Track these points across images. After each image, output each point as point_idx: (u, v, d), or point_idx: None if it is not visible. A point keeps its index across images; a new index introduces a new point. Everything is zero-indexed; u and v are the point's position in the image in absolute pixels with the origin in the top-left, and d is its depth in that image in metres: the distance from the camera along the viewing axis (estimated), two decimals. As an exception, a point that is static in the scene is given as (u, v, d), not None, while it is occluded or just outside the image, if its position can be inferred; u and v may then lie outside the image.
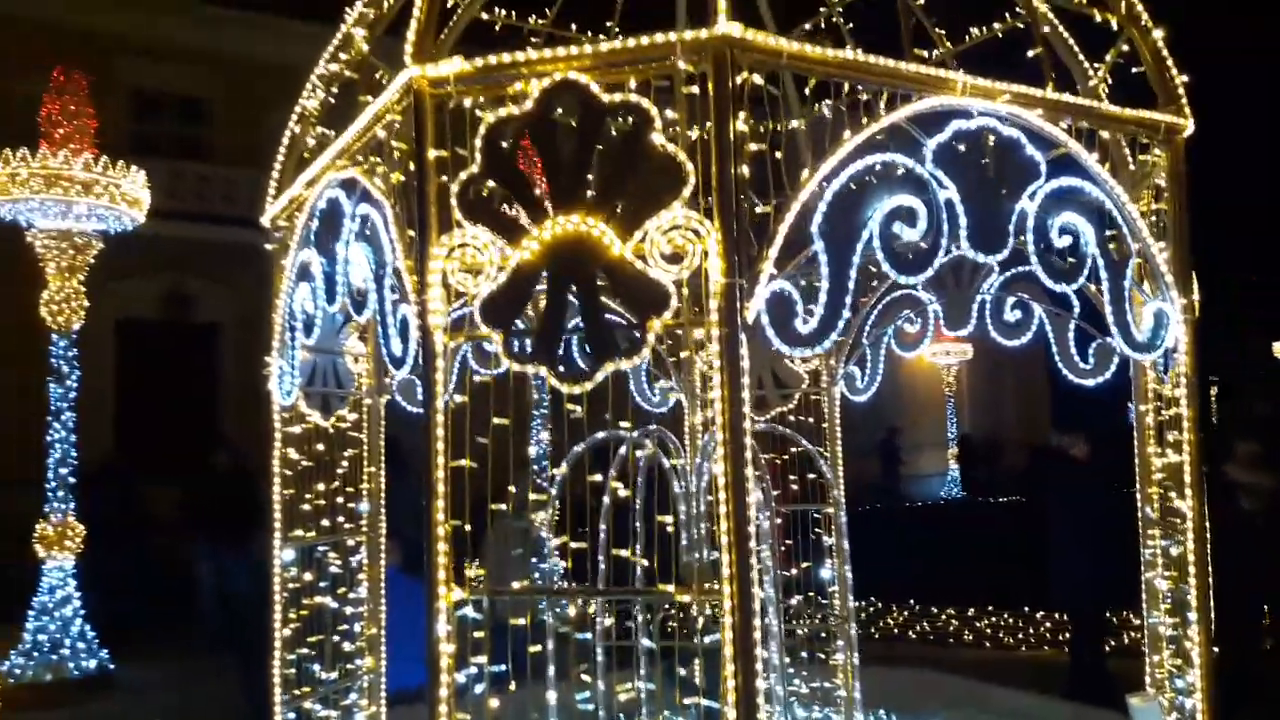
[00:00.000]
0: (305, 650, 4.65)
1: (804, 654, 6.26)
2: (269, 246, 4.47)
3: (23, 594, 9.05)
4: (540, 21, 5.43)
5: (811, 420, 6.35)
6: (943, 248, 3.11)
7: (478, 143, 2.83)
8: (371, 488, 5.44)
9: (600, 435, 4.82)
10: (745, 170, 2.79)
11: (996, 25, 4.23)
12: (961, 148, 3.16)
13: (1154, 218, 3.80)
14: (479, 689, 3.06)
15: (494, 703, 3.04)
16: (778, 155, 3.71)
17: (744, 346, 2.74)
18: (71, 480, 9.03)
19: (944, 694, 7.13)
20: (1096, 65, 4.04)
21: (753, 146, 2.80)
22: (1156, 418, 4.16)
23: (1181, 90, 3.77)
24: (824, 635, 6.23)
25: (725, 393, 2.69)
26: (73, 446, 9.08)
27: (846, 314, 2.94)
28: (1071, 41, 4.13)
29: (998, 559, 10.54)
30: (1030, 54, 3.73)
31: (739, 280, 2.72)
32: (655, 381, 6.45)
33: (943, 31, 4.35)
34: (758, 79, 2.86)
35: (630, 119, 2.77)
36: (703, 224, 2.71)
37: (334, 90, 4.11)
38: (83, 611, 9.03)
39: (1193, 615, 3.70)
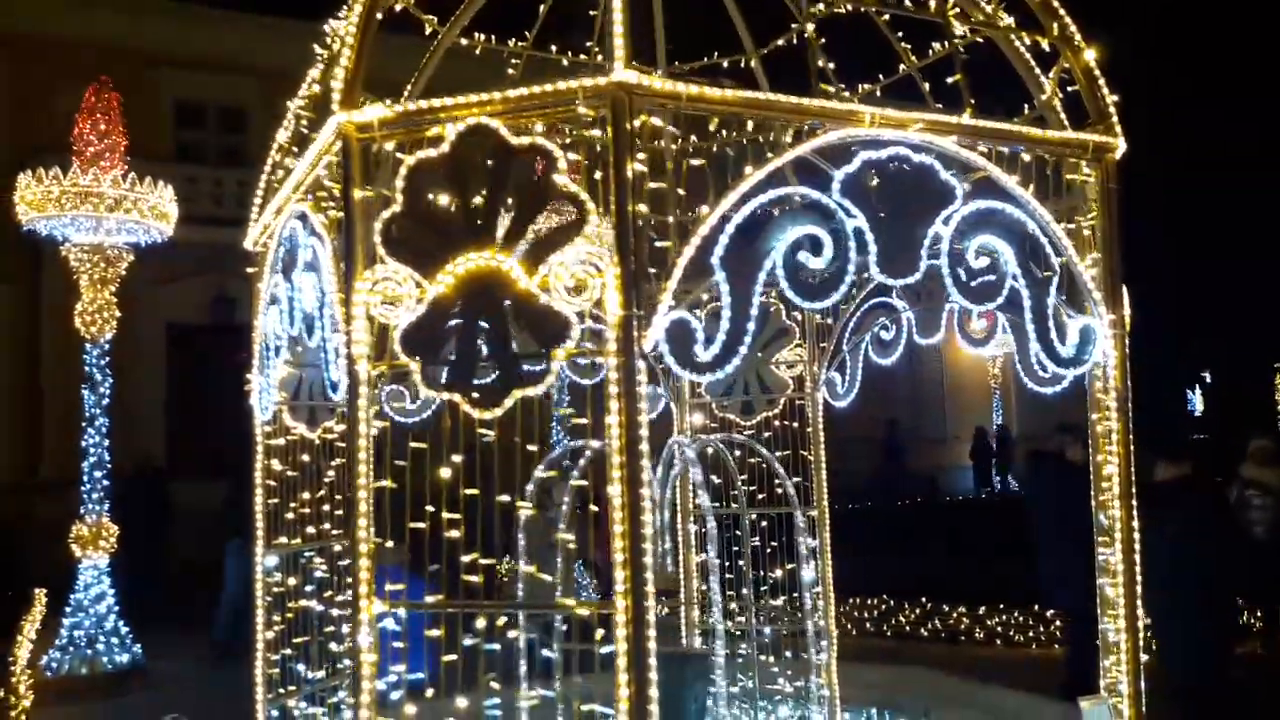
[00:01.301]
0: (289, 651, 4.92)
1: (788, 653, 6.40)
2: (250, 270, 4.73)
3: (60, 591, 9.51)
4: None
5: (797, 425, 6.49)
6: (849, 274, 3.23)
7: (398, 183, 3.03)
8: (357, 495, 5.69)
9: (565, 446, 5.03)
10: (643, 207, 2.94)
11: (930, 52, 4.30)
12: (870, 176, 3.29)
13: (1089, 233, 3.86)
14: (396, 695, 3.26)
15: (410, 709, 3.24)
16: (680, 192, 3.85)
17: (642, 374, 2.91)
18: (105, 482, 9.47)
19: (930, 692, 7.21)
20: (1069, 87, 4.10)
21: (652, 185, 2.94)
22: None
23: (1112, 109, 3.83)
24: (804, 634, 6.36)
25: (622, 419, 2.86)
26: (106, 450, 9.52)
27: (749, 340, 3.08)
28: (1031, 61, 4.20)
29: (1009, 555, 10.53)
30: (950, 80, 3.82)
31: (636, 312, 2.88)
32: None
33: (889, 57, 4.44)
34: (657, 121, 3.01)
35: (537, 160, 2.94)
36: (602, 259, 2.88)
37: (303, 122, 4.32)
38: (117, 608, 9.47)
39: (1119, 621, 3.79)
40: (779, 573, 6.09)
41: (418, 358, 3.00)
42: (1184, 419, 36.25)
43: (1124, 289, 3.84)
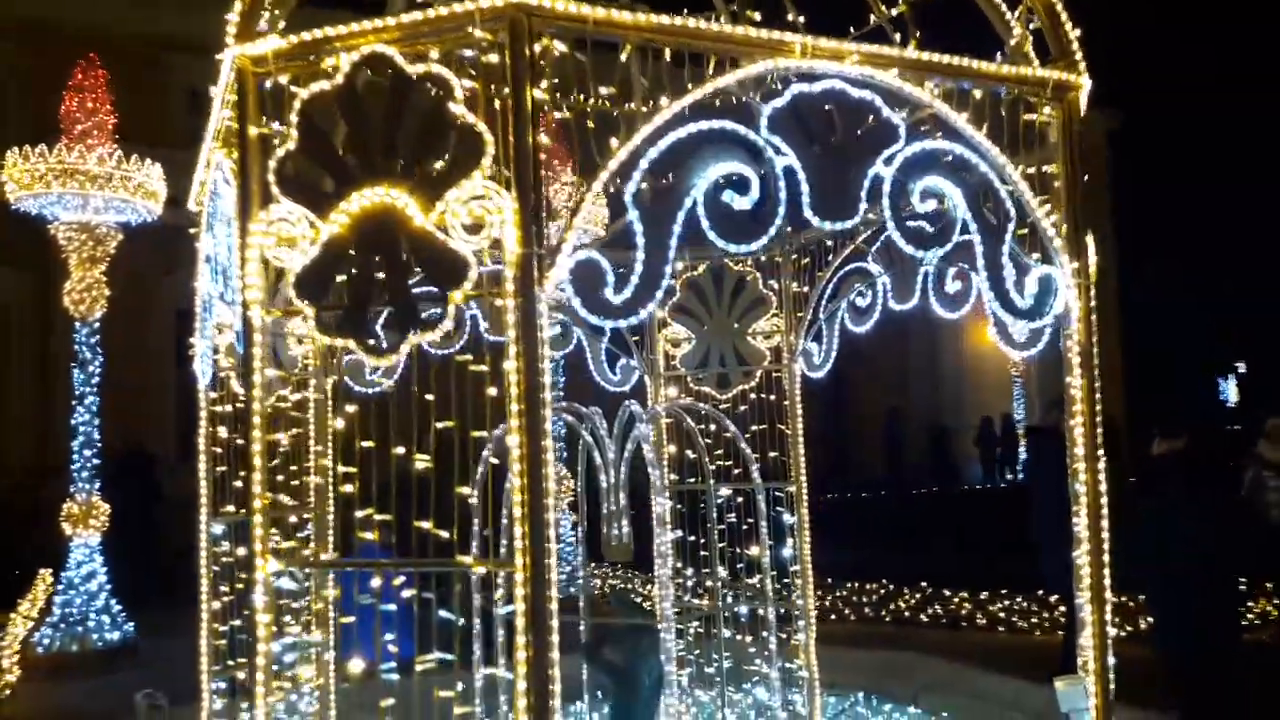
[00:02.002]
0: (237, 622, 4.79)
1: (764, 633, 6.20)
2: (191, 231, 4.58)
3: (55, 569, 9.49)
4: None
5: (774, 398, 6.27)
6: (779, 215, 3.03)
7: (292, 118, 2.86)
8: (318, 467, 5.56)
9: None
10: (544, 139, 2.75)
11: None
12: (802, 112, 3.07)
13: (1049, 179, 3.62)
14: (290, 659, 3.10)
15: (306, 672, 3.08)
16: (589, 124, 3.65)
17: (543, 317, 2.72)
18: (95, 461, 9.42)
19: (921, 677, 6.99)
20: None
21: (558, 114, 2.75)
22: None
23: (1076, 46, 3.59)
24: (784, 614, 6.16)
25: (520, 364, 2.67)
26: (96, 430, 9.46)
27: (665, 284, 2.88)
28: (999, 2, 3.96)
29: (1017, 546, 10.26)
30: (893, 12, 3.59)
31: (537, 250, 2.70)
32: (616, 361, 6.44)
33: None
34: (561, 46, 2.81)
35: (434, 89, 2.76)
36: (500, 194, 2.69)
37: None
38: (108, 586, 9.43)
39: (1086, 592, 3.56)
40: (755, 550, 5.88)
41: (311, 302, 2.83)
42: (1214, 406, 35.55)
43: (1089, 237, 3.59)
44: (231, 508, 4.92)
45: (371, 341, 2.80)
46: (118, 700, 7.10)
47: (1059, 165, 3.55)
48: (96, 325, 9.52)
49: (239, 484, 5.00)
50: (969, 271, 4.92)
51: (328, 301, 2.84)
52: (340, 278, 2.84)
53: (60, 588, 9.38)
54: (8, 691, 7.75)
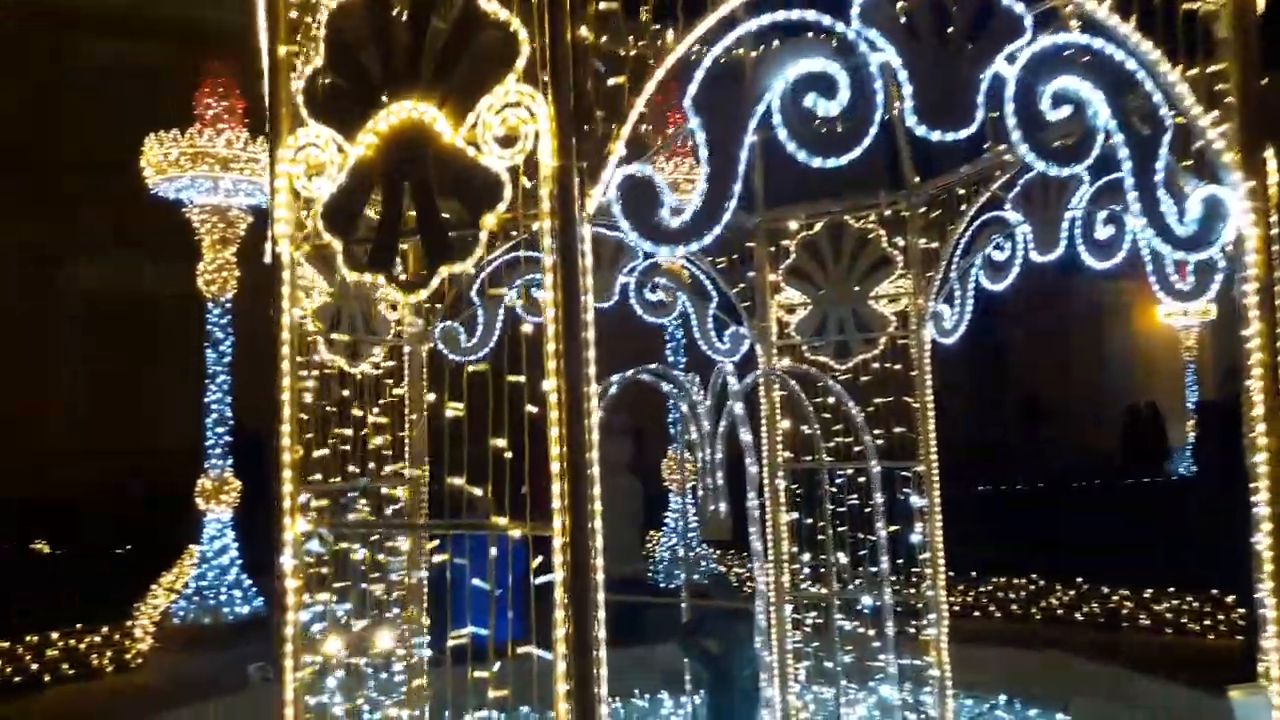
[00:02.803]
0: (328, 596, 4.62)
1: (890, 626, 5.65)
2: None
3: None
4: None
5: (900, 368, 5.70)
6: (874, 123, 2.54)
7: (320, 32, 2.57)
8: (414, 437, 5.37)
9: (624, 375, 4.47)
10: (587, 32, 2.36)
11: None
12: (903, 2, 2.58)
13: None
14: (318, 627, 2.82)
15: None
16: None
17: (585, 241, 2.34)
18: (228, 439, 9.66)
19: (1075, 680, 6.27)
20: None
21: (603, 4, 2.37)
22: None
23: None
24: (915, 606, 5.60)
25: (559, 296, 2.30)
26: (228, 408, 9.70)
27: (732, 205, 2.44)
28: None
29: (1187, 538, 9.26)
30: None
31: (577, 163, 2.32)
32: (724, 329, 6.00)
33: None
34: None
35: (465, -11, 2.42)
36: (535, 99, 2.32)
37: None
38: (239, 560, 9.65)
39: (1266, 583, 2.92)
40: (882, 535, 5.34)
41: (339, 235, 2.54)
42: None
43: (1269, 152, 2.94)
44: (319, 475, 4.77)
45: (402, 276, 2.48)
46: (244, 673, 7.19)
47: (1230, 64, 2.91)
48: (228, 305, 9.74)
49: (325, 452, 4.90)
50: (1121, 214, 4.32)
51: (356, 235, 2.54)
52: (368, 208, 2.54)
53: (195, 562, 9.66)
54: (140, 660, 7.98)
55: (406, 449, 5.29)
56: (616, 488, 6.72)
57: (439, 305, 5.45)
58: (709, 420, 4.19)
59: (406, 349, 5.32)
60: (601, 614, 2.27)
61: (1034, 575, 9.36)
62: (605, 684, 2.23)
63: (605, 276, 5.79)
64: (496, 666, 3.15)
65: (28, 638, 7.28)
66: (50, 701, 6.88)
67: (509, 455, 2.67)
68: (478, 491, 3.03)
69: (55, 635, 7.41)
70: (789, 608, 5.84)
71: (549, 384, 2.28)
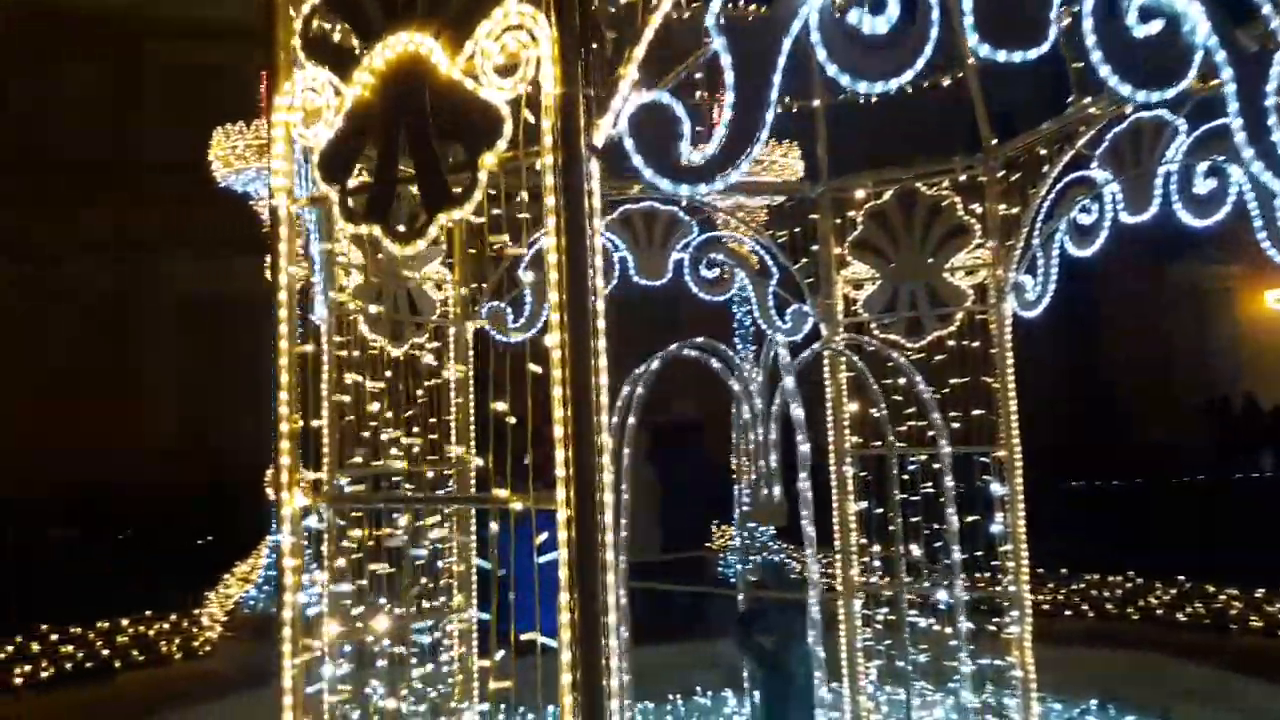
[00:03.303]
0: (364, 582, 4.46)
1: (967, 623, 5.26)
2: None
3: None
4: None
5: (978, 345, 5.29)
6: (931, 41, 2.22)
7: (315, -35, 2.37)
8: (460, 420, 5.18)
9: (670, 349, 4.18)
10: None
11: None
12: (961, -100, 2.25)
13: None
14: (314, 610, 2.60)
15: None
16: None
17: (593, 179, 2.07)
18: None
19: (1175, 684, 5.78)
20: None
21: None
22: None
23: None
24: (998, 604, 5.19)
25: (562, 240, 2.04)
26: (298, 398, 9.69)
27: (761, 138, 2.15)
28: None
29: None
30: None
31: (583, 90, 2.05)
32: (786, 307, 5.67)
33: None
34: None
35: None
36: (536, 20, 2.07)
37: None
38: (309, 550, 9.63)
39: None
40: (954, 524, 4.96)
41: (335, 183, 2.33)
42: None
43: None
44: (359, 458, 4.62)
45: (399, 227, 2.25)
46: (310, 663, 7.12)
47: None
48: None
49: (365, 434, 4.74)
50: (1224, 165, 3.88)
51: (352, 184, 2.33)
52: (364, 156, 2.32)
53: (266, 552, 9.70)
54: (209, 647, 8.01)
55: (452, 431, 5.12)
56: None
57: (485, 285, 5.27)
58: (762, 398, 3.88)
59: (451, 329, 5.15)
60: (613, 597, 2.00)
61: (1131, 572, 8.77)
62: (618, 675, 1.96)
63: (658, 253, 5.53)
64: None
65: (99, 624, 7.36)
66: (121, 687, 6.91)
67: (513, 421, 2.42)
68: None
69: (125, 622, 7.47)
70: (858, 603, 5.50)
71: (552, 338, 2.02)
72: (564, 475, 2.00)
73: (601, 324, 2.05)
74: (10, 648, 6.73)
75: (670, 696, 5.98)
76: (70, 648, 6.92)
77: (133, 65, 18.14)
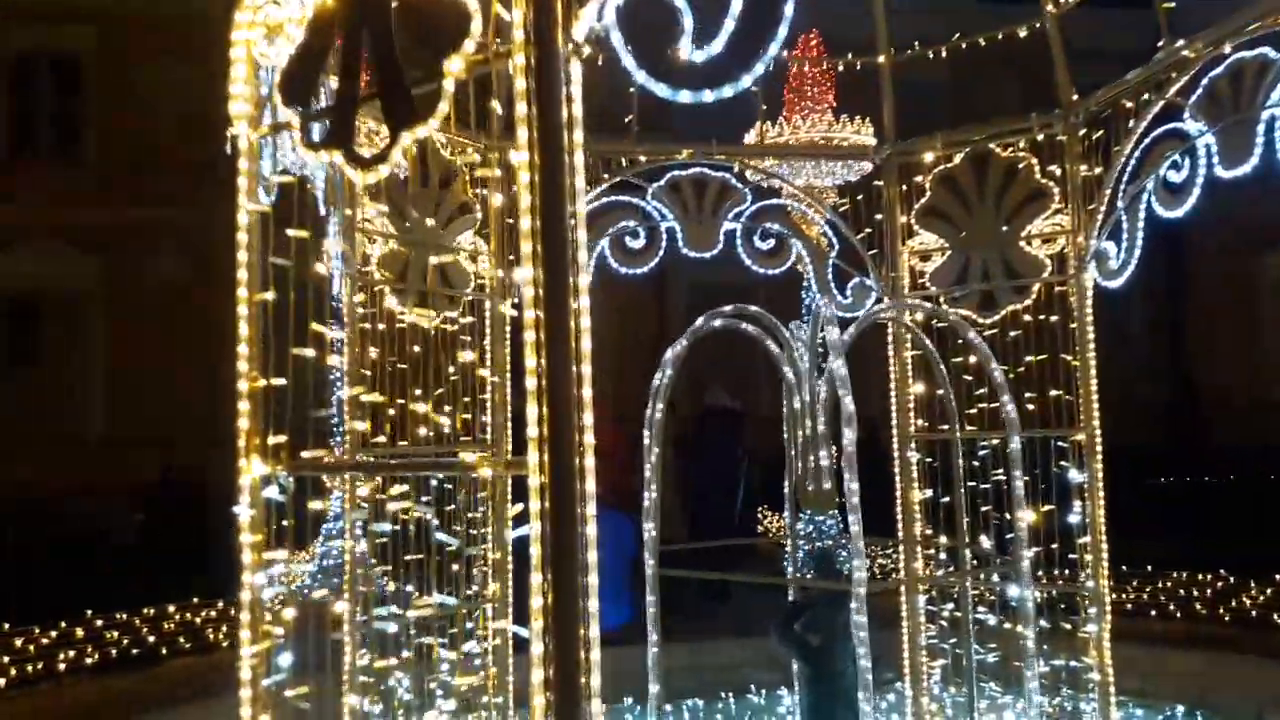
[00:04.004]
0: (388, 568, 4.23)
1: (1041, 622, 4.82)
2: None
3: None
4: None
5: (1056, 319, 4.83)
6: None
7: None
8: (496, 400, 4.92)
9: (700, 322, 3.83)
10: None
11: None
12: None
13: None
14: (270, 593, 2.32)
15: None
16: None
17: (573, 83, 1.76)
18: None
19: (1269, 689, 5.23)
20: None
21: None
22: None
23: None
24: (1075, 600, 4.74)
25: (538, 159, 1.72)
26: (339, 382, 9.60)
27: (781, 34, 1.80)
28: None
29: None
30: None
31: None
32: (847, 281, 5.27)
33: None
34: None
35: None
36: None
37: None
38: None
39: None
40: (1029, 516, 4.52)
41: (295, 105, 2.06)
42: None
43: None
44: (383, 438, 4.38)
45: (360, 151, 1.97)
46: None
47: None
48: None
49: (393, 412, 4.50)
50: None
51: (313, 108, 2.05)
52: (325, 75, 2.05)
53: (322, 538, 9.63)
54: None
55: (489, 414, 4.87)
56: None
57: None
58: (809, 379, 3.51)
59: (487, 304, 4.88)
60: (594, 578, 1.69)
61: (1223, 571, 8.14)
62: (598, 670, 1.65)
63: (708, 223, 5.19)
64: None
65: (145, 610, 7.32)
66: (166, 673, 6.84)
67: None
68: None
69: (172, 609, 7.42)
70: (922, 598, 5.09)
71: (523, 272, 1.71)
72: (536, 435, 1.69)
73: (584, 257, 1.73)
74: (54, 633, 6.71)
75: (722, 694, 5.64)
76: (115, 634, 6.88)
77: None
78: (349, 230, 4.08)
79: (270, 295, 2.16)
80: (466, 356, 4.53)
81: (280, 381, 2.15)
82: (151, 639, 6.99)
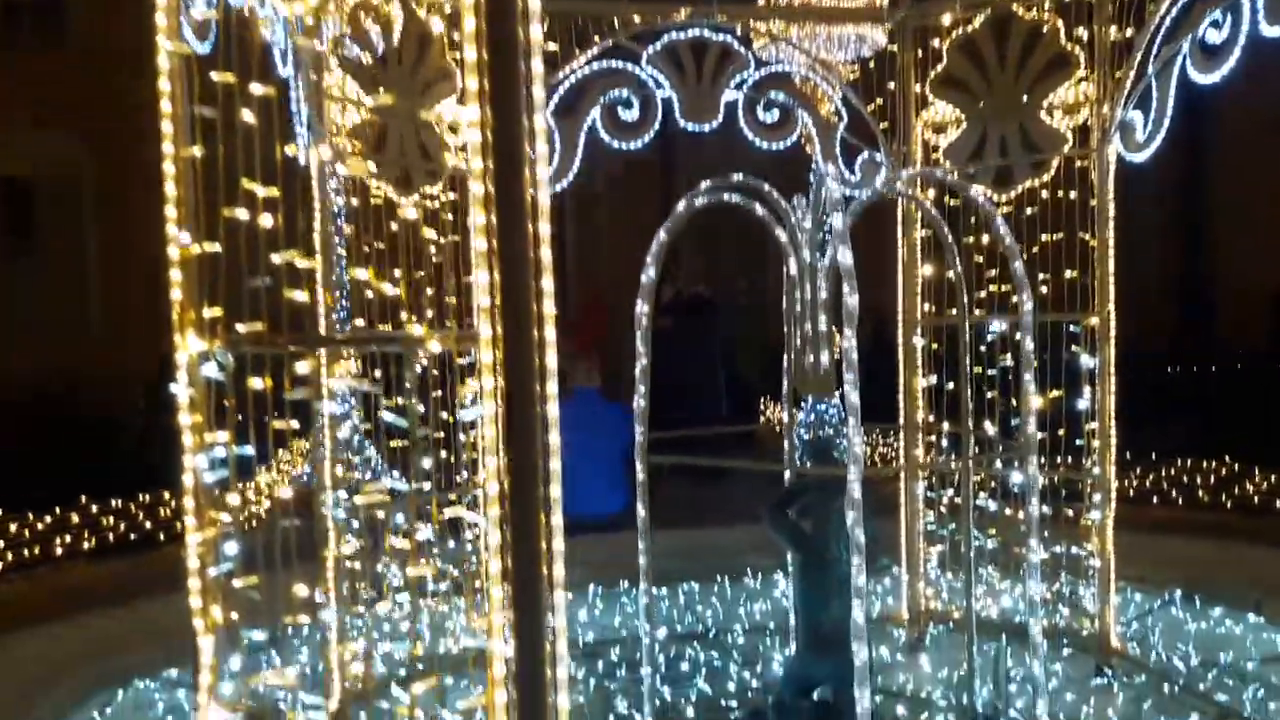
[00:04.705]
0: (366, 456, 4.12)
1: (1044, 508, 4.71)
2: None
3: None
4: None
5: (1075, 196, 4.57)
6: None
7: None
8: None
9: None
10: None
11: None
12: None
13: None
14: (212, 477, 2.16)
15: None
16: None
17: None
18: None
19: (1270, 577, 5.16)
20: None
21: None
22: None
23: None
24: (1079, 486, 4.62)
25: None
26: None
27: None
28: None
29: None
30: None
31: None
32: (856, 156, 4.98)
33: None
34: None
35: None
36: None
37: None
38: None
39: None
40: (1031, 399, 4.36)
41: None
42: None
43: None
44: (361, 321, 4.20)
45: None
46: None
47: None
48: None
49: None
50: None
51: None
52: None
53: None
54: (254, 522, 7.93)
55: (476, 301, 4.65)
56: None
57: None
58: (809, 250, 3.29)
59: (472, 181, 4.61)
60: (556, 463, 1.52)
61: (1228, 459, 8.05)
62: (562, 561, 1.49)
63: (708, 92, 4.87)
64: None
65: (142, 496, 7.31)
66: (163, 558, 6.84)
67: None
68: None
69: (167, 495, 7.40)
70: (921, 485, 4.98)
71: (470, 112, 1.49)
72: (489, 305, 1.49)
73: (540, 93, 1.50)
74: (49, 518, 6.70)
75: (718, 577, 5.61)
76: (111, 519, 6.87)
77: None
78: (315, 96, 3.81)
79: (198, 150, 1.92)
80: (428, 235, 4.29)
81: (215, 248, 1.94)
82: (149, 525, 6.99)
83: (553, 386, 1.52)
